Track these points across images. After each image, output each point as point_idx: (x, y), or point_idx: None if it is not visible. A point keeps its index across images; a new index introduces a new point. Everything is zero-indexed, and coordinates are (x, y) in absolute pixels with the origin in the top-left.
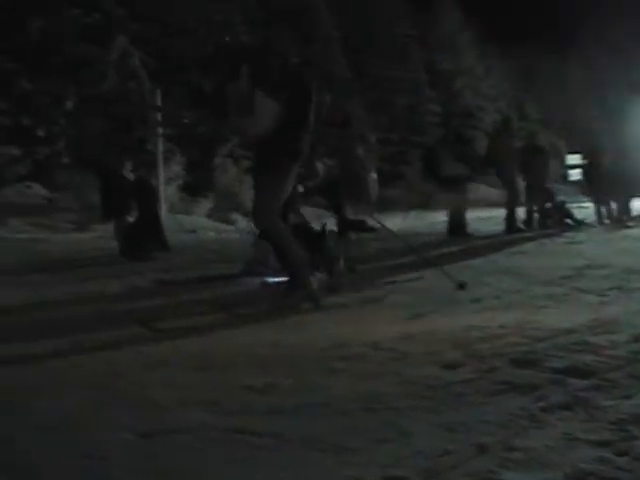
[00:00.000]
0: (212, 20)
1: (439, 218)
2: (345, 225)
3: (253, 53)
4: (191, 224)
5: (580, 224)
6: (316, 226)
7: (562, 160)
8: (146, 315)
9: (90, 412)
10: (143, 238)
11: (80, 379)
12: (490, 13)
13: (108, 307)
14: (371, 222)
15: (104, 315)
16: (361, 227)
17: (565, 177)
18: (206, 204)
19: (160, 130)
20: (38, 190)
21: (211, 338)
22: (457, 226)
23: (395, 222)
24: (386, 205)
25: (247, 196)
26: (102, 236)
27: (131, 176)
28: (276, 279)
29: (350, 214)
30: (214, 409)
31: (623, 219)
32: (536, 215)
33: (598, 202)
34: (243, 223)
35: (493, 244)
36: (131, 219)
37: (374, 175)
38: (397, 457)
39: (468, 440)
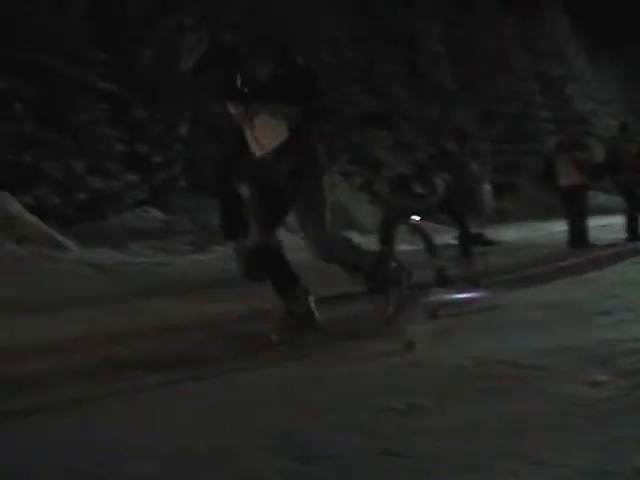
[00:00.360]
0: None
1: (557, 228)
2: (467, 239)
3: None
4: None
5: None
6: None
7: None
8: (271, 336)
9: (236, 437)
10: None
11: (218, 404)
12: (599, 15)
13: (233, 329)
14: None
15: (229, 337)
16: (480, 240)
17: None
18: None
19: None
20: (156, 214)
21: (341, 358)
22: (578, 236)
23: (509, 234)
24: (501, 217)
25: (361, 213)
26: (222, 257)
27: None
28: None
29: (471, 228)
30: (360, 431)
31: None
32: None
33: None
34: (358, 239)
35: (617, 253)
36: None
37: (488, 187)
38: (557, 478)
39: (626, 460)
